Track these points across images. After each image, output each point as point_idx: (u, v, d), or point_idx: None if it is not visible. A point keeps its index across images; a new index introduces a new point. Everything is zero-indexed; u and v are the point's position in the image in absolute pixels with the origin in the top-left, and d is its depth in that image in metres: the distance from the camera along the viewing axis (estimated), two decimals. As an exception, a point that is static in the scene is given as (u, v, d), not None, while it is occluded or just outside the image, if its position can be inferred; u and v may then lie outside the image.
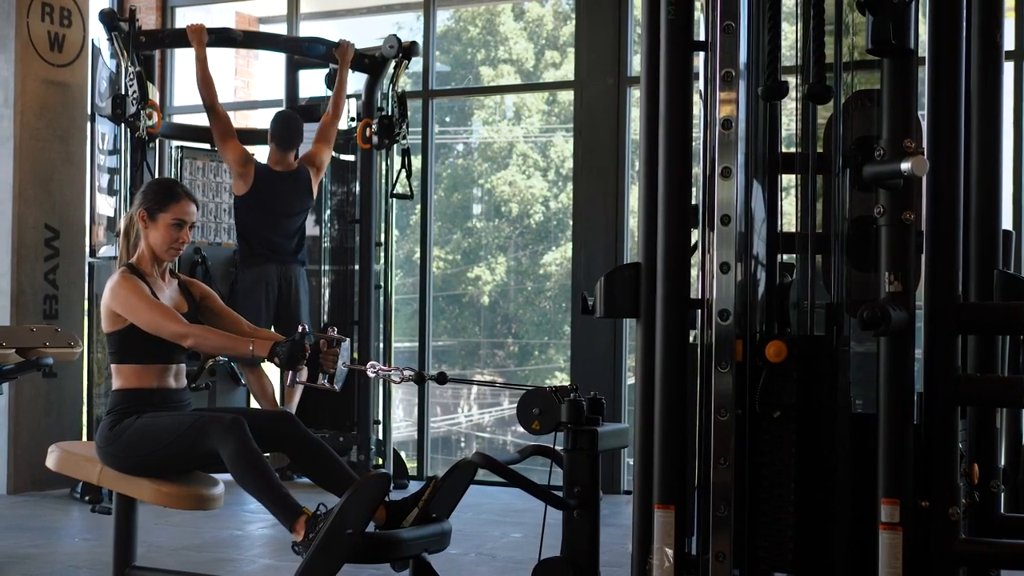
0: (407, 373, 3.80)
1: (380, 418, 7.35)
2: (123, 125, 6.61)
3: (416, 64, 7.73)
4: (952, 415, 2.83)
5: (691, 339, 3.08)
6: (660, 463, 3.01)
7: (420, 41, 7.69)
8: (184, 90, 8.73)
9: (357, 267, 7.44)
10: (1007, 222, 3.40)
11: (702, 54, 3.07)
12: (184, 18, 8.79)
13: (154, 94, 6.87)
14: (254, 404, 7.27)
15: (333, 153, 7.59)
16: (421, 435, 7.99)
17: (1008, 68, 5.92)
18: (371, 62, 7.35)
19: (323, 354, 3.77)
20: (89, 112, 7.14)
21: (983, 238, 3.24)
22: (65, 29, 7.25)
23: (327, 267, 7.68)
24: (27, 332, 4.28)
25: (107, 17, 6.68)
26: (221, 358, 6.87)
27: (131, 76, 6.58)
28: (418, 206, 8.19)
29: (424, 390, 7.86)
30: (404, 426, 9.23)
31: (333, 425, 7.25)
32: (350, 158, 7.60)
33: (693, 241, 3.08)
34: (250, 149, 7.06)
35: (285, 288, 6.92)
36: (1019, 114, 6.45)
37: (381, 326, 7.41)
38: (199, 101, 6.90)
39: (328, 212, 7.70)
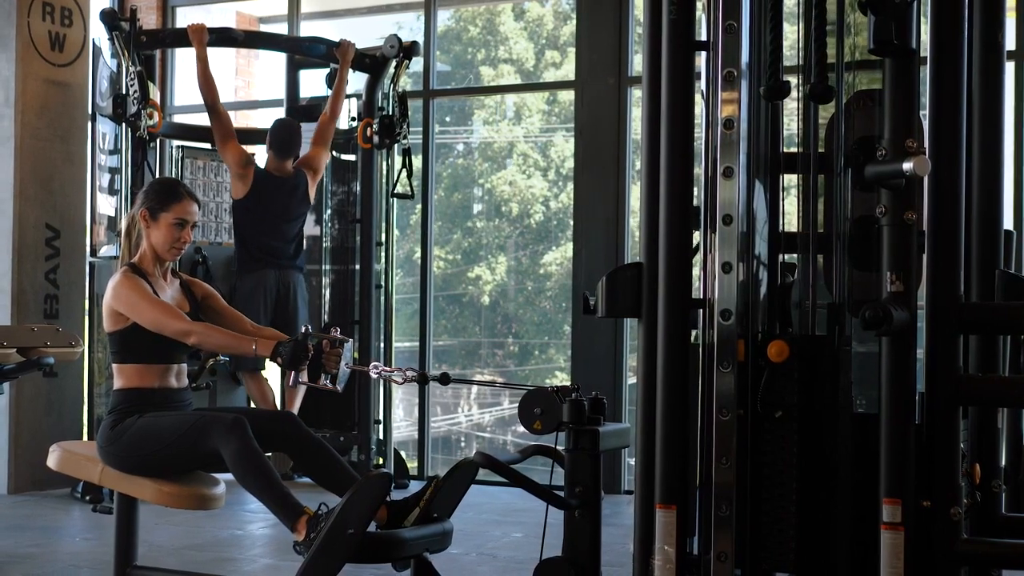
0: (409, 374, 3.80)
1: (381, 418, 7.35)
2: (124, 125, 6.61)
3: (417, 64, 7.73)
4: (954, 415, 2.83)
5: (693, 339, 3.08)
6: (662, 463, 3.01)
7: (420, 41, 7.69)
8: (185, 90, 8.73)
9: (358, 267, 7.44)
10: (1008, 222, 3.39)
11: (704, 54, 3.08)
12: (185, 18, 8.79)
13: (155, 94, 6.87)
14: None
15: (334, 153, 7.59)
16: (422, 435, 7.99)
17: (1009, 68, 5.92)
18: (372, 62, 7.35)
19: (326, 354, 3.77)
20: (90, 112, 7.14)
21: (984, 238, 3.24)
22: (66, 29, 7.25)
23: (328, 267, 7.68)
24: (28, 332, 4.28)
25: (108, 17, 6.68)
26: (222, 357, 6.87)
27: (132, 76, 6.58)
28: (418, 206, 8.19)
29: (425, 390, 7.87)
30: (404, 426, 9.24)
31: (334, 425, 7.25)
32: (351, 158, 7.59)
33: (695, 241, 3.08)
34: (250, 150, 7.06)
35: (283, 294, 6.92)
36: (1020, 114, 6.45)
37: (382, 326, 7.41)
38: (200, 101, 6.91)
39: (329, 212, 7.70)
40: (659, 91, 3.06)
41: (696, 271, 3.09)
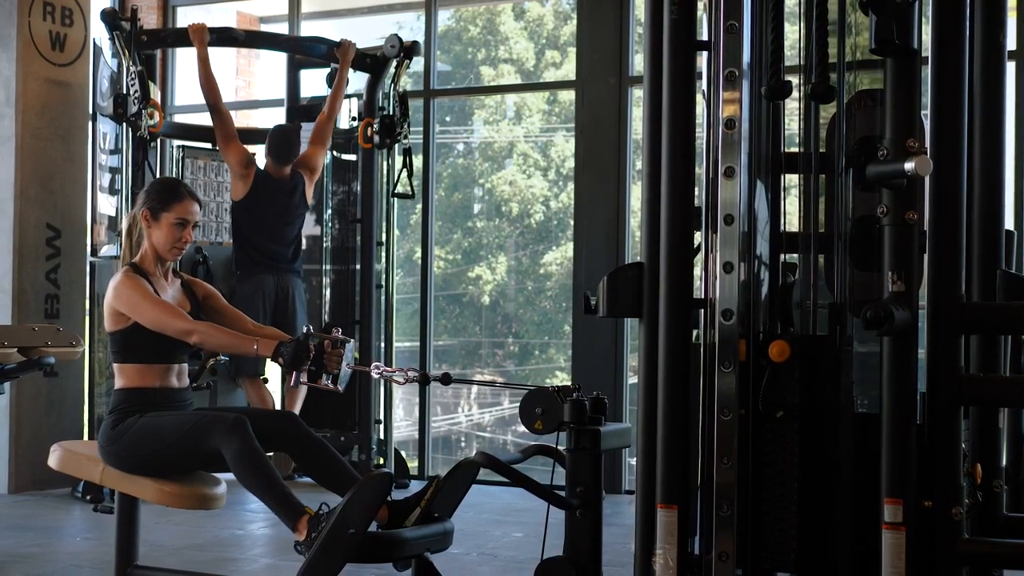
0: (411, 374, 3.80)
1: (381, 418, 7.35)
2: (125, 124, 6.61)
3: (417, 64, 7.73)
4: (955, 415, 2.83)
5: (694, 339, 3.08)
6: (663, 463, 3.02)
7: (421, 41, 7.68)
8: (186, 89, 8.73)
9: (358, 267, 7.44)
10: (1009, 222, 3.39)
11: (705, 53, 3.08)
12: (185, 17, 8.79)
13: (155, 93, 6.87)
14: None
15: (335, 152, 7.59)
16: (422, 434, 7.99)
17: (1010, 68, 5.92)
18: (372, 62, 7.35)
19: (327, 355, 3.77)
20: (91, 111, 7.14)
21: (986, 238, 3.24)
22: (67, 28, 7.25)
23: (328, 267, 7.68)
24: (29, 331, 4.28)
25: (109, 16, 6.68)
26: (222, 357, 6.87)
27: (133, 75, 6.58)
28: (419, 206, 8.19)
29: (425, 390, 7.87)
30: (404, 426, 9.24)
31: (334, 425, 7.25)
32: (351, 157, 7.59)
33: (696, 241, 3.08)
34: (250, 150, 7.06)
35: (282, 299, 6.92)
36: (1021, 114, 6.44)
37: (382, 326, 7.41)
38: (201, 100, 6.90)
39: (329, 212, 7.70)
40: (660, 91, 3.06)
41: (697, 271, 3.09)
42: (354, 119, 7.52)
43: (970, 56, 3.02)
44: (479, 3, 10.43)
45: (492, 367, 10.77)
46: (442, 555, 3.70)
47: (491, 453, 3.30)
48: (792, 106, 3.21)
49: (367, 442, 7.19)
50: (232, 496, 4.13)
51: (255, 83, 9.74)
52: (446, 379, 3.76)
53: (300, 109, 7.73)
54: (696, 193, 3.08)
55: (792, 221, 3.21)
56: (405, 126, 7.36)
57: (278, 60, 8.24)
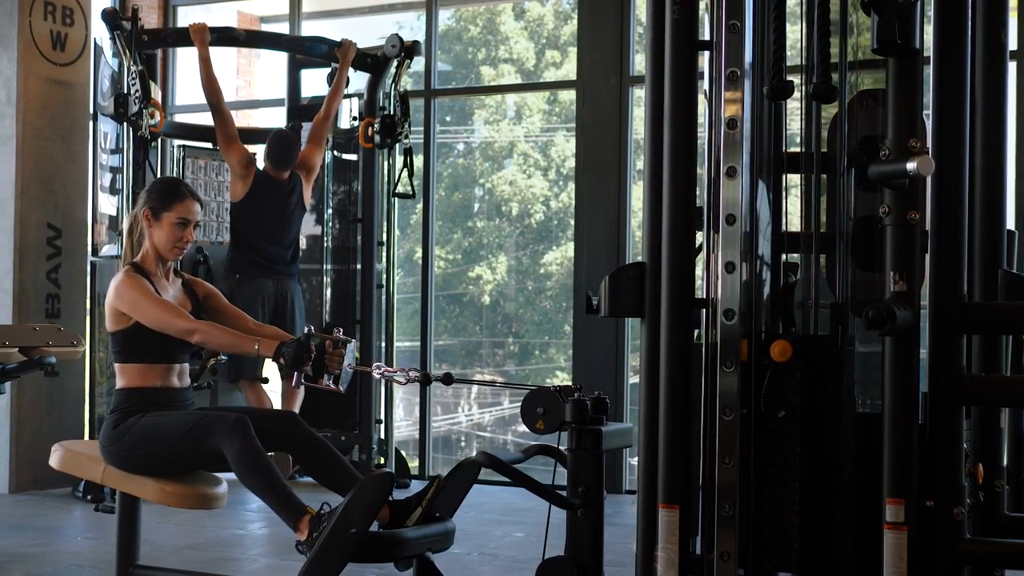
0: (412, 374, 3.79)
1: (382, 417, 7.35)
2: (125, 124, 6.62)
3: (418, 63, 7.73)
4: (957, 415, 2.84)
5: (695, 338, 3.08)
6: (665, 463, 3.02)
7: (421, 40, 7.68)
8: (186, 89, 8.73)
9: (359, 266, 7.44)
10: (1011, 222, 3.39)
11: (707, 53, 3.08)
12: (186, 17, 8.79)
13: (156, 93, 6.88)
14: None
15: (335, 152, 7.59)
16: (423, 434, 7.99)
17: (1012, 68, 5.92)
18: (373, 61, 7.35)
19: (328, 355, 3.76)
20: (91, 111, 7.13)
21: (987, 238, 3.24)
22: (67, 28, 7.25)
23: (329, 266, 7.68)
24: (30, 331, 4.28)
25: (109, 16, 6.68)
26: (223, 357, 6.87)
27: (133, 75, 6.58)
28: (419, 205, 8.18)
29: (426, 390, 7.86)
30: (404, 425, 9.24)
31: (335, 424, 7.25)
32: (352, 157, 7.59)
33: (698, 241, 3.08)
34: (251, 150, 7.06)
35: (281, 303, 6.91)
36: (1023, 114, 6.44)
37: (383, 325, 7.41)
38: (201, 100, 6.90)
39: (330, 211, 7.70)
40: (662, 91, 3.06)
41: (699, 271, 3.09)
42: (355, 119, 7.52)
43: (971, 56, 3.02)
44: (479, 3, 10.43)
45: (492, 367, 10.77)
46: (443, 555, 3.70)
47: (492, 453, 3.30)
48: (793, 106, 3.21)
49: (368, 442, 7.19)
50: (233, 496, 4.13)
51: (256, 83, 9.74)
52: (448, 379, 3.75)
53: (301, 109, 7.73)
54: (698, 193, 3.08)
55: (794, 221, 3.21)
56: (406, 126, 7.36)
57: (279, 60, 8.24)
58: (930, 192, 2.87)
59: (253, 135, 7.48)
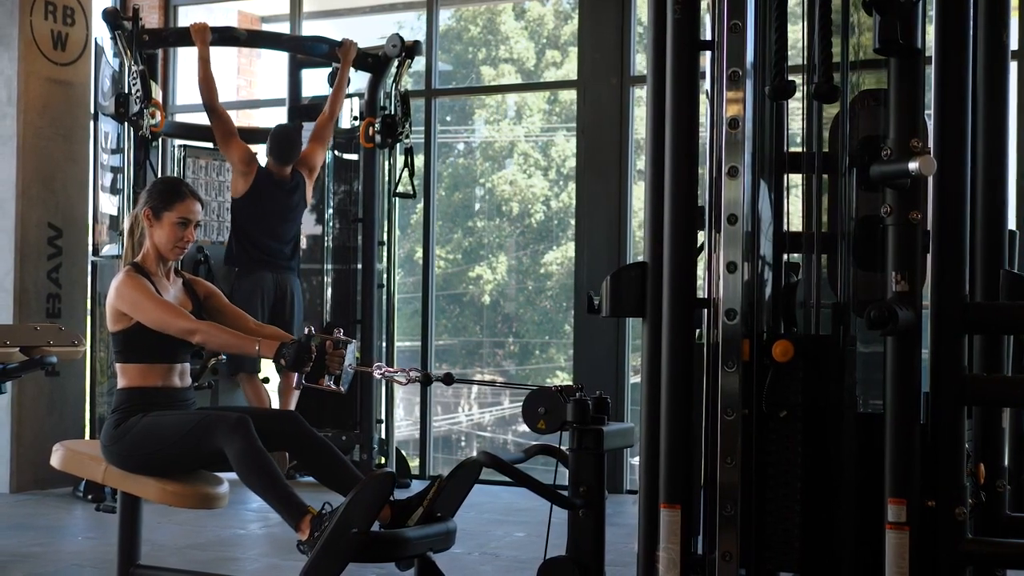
0: (413, 374, 3.79)
1: (383, 417, 7.35)
2: (126, 124, 6.62)
3: (418, 63, 7.73)
4: (959, 415, 2.84)
5: (697, 338, 3.08)
6: (666, 462, 3.02)
7: (422, 40, 7.68)
8: (187, 89, 8.73)
9: (359, 266, 7.44)
10: (1012, 222, 3.39)
11: (708, 53, 3.08)
12: (187, 17, 8.79)
13: (157, 93, 6.88)
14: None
15: (336, 152, 7.59)
16: (423, 434, 7.99)
17: (1013, 68, 5.93)
18: (374, 61, 7.35)
19: (329, 356, 3.76)
20: (92, 111, 7.14)
21: (989, 238, 3.24)
22: (68, 28, 7.25)
23: (330, 266, 7.68)
24: (31, 331, 4.28)
25: (110, 16, 6.68)
26: (223, 356, 6.87)
27: (134, 75, 6.58)
28: (419, 205, 8.18)
29: (427, 390, 7.86)
30: (404, 425, 9.23)
31: (336, 424, 7.25)
32: (353, 157, 7.59)
33: (699, 241, 3.08)
34: (251, 148, 7.05)
35: (280, 297, 6.91)
36: (1024, 114, 6.44)
37: (384, 325, 7.41)
38: (201, 100, 6.90)
39: (331, 211, 7.70)
40: (663, 91, 3.06)
41: (700, 270, 3.09)
42: (356, 118, 7.52)
43: (973, 56, 3.02)
44: (480, 3, 10.43)
45: (492, 367, 10.77)
46: (444, 555, 3.70)
47: (493, 453, 3.30)
48: (795, 106, 3.21)
49: (368, 441, 7.19)
50: (234, 495, 4.13)
51: (256, 82, 9.74)
52: (448, 379, 3.75)
53: (301, 109, 7.73)
54: (699, 193, 3.08)
55: (795, 221, 3.20)
56: (407, 126, 7.36)
57: (279, 59, 8.24)
58: (932, 192, 2.87)
59: (254, 135, 7.48)
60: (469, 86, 10.52)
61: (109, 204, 6.86)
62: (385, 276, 7.43)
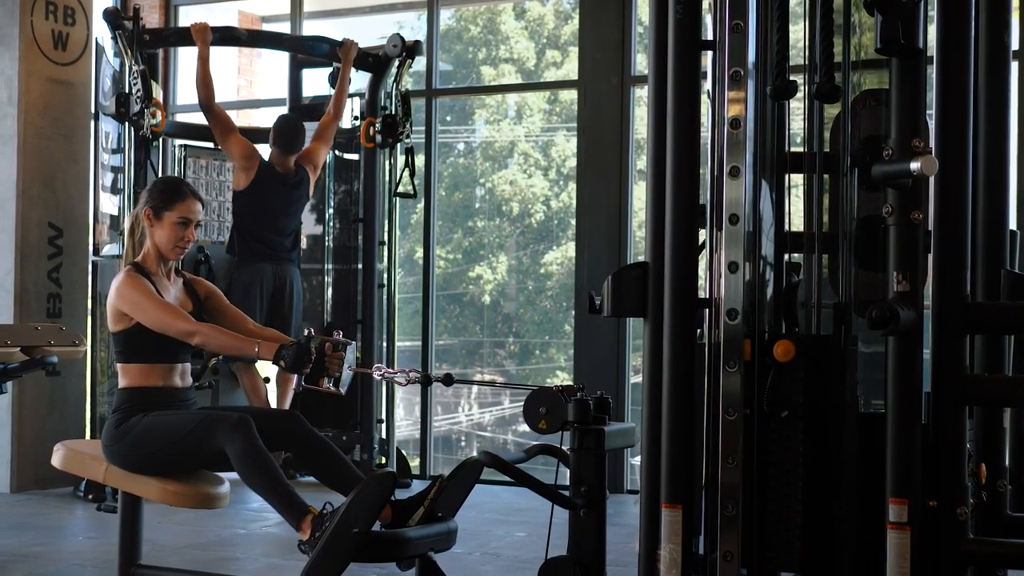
0: (413, 375, 3.79)
1: (383, 417, 7.35)
2: (127, 123, 6.62)
3: (419, 63, 7.73)
4: (960, 415, 2.84)
5: (698, 338, 3.08)
6: (668, 462, 3.01)
7: (422, 40, 7.68)
8: (188, 88, 8.70)
9: (360, 266, 7.44)
10: (1013, 222, 3.39)
11: (709, 53, 3.08)
12: (187, 16, 8.79)
13: (158, 92, 6.88)
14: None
15: (337, 152, 7.59)
16: (424, 434, 7.99)
17: (1015, 68, 5.92)
18: (375, 61, 7.35)
19: (328, 358, 3.76)
20: (93, 110, 7.14)
21: (990, 238, 3.24)
22: (69, 27, 7.25)
23: (330, 266, 7.68)
24: (32, 330, 4.28)
25: (111, 15, 6.69)
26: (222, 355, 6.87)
27: (135, 74, 6.59)
28: (419, 205, 8.18)
29: (427, 390, 7.86)
30: (404, 425, 9.23)
31: (336, 424, 7.25)
32: (353, 157, 7.59)
33: (700, 240, 3.08)
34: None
35: (279, 287, 6.91)
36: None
37: (384, 325, 7.41)
38: (198, 99, 6.89)
39: (331, 211, 7.70)
40: (665, 91, 3.06)
41: (702, 270, 3.09)
42: (356, 118, 7.52)
43: (974, 56, 3.02)
44: (480, 3, 10.43)
45: (493, 367, 10.77)
46: (445, 555, 3.70)
47: (495, 453, 3.30)
48: (796, 106, 3.21)
49: (369, 441, 7.19)
50: (235, 495, 4.14)
51: (257, 82, 9.74)
52: (448, 380, 3.75)
53: (302, 108, 7.73)
54: (701, 193, 3.08)
55: (797, 221, 3.20)
56: (407, 125, 7.36)
57: (280, 59, 8.24)
58: (933, 192, 2.87)
59: (254, 135, 7.47)
60: (469, 86, 10.52)
61: (110, 204, 6.86)
62: (386, 276, 7.43)
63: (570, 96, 8.73)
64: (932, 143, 2.86)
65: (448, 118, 10.08)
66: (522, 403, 3.31)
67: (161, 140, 7.24)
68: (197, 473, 3.89)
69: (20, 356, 4.14)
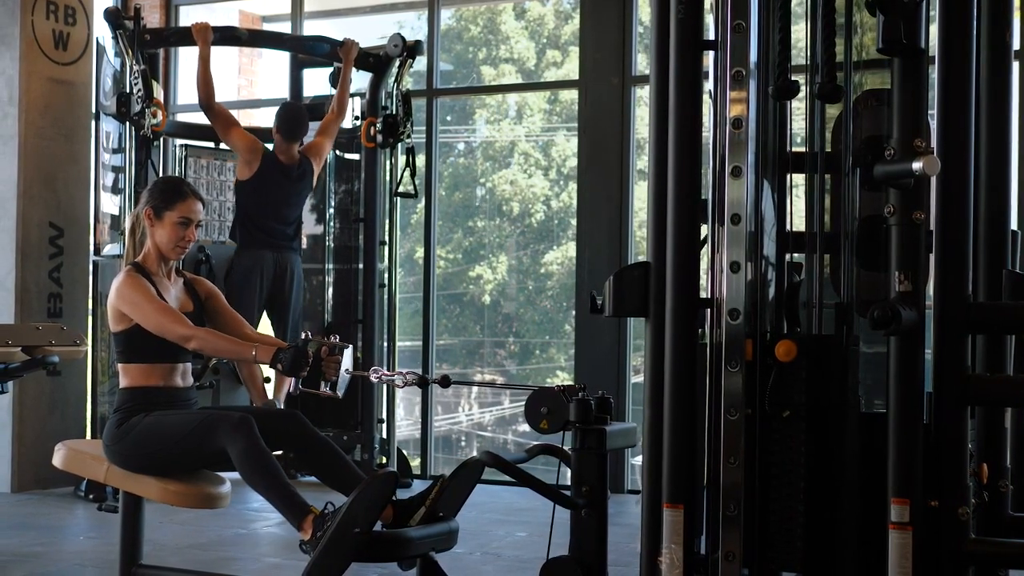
0: (410, 377, 3.79)
1: (384, 417, 7.35)
2: (128, 123, 6.63)
3: (419, 63, 7.73)
4: (962, 415, 2.83)
5: (700, 338, 3.08)
6: (669, 462, 3.01)
7: (422, 40, 7.68)
8: (189, 88, 8.71)
9: (361, 266, 7.44)
10: (1015, 222, 3.39)
11: (711, 53, 3.07)
12: (188, 16, 8.79)
13: (158, 92, 6.88)
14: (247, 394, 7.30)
15: (337, 152, 7.59)
16: (425, 434, 7.99)
17: (1016, 68, 5.92)
18: (375, 61, 7.35)
19: (325, 361, 3.76)
20: (94, 110, 7.15)
21: (992, 238, 3.24)
22: (69, 27, 7.25)
23: (331, 266, 7.68)
24: (33, 330, 4.28)
25: (111, 15, 6.69)
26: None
27: (136, 74, 6.59)
28: (420, 205, 8.18)
29: (428, 389, 7.86)
30: (405, 425, 9.24)
31: (337, 424, 7.25)
32: (354, 157, 7.59)
33: (703, 234, 3.08)
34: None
35: (280, 274, 6.91)
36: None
37: (385, 325, 7.41)
38: (198, 99, 6.89)
39: (332, 211, 7.70)
40: (667, 91, 3.06)
41: (704, 269, 3.09)
42: (357, 118, 7.52)
43: (976, 56, 3.02)
44: (480, 2, 10.43)
45: (493, 366, 10.77)
46: (445, 555, 3.70)
47: (496, 452, 3.30)
48: (797, 105, 3.21)
49: (370, 441, 7.19)
50: (236, 495, 4.14)
51: (257, 82, 9.74)
52: (445, 382, 3.76)
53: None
54: (702, 193, 3.08)
55: (798, 221, 3.20)
56: (408, 125, 7.36)
57: (281, 59, 8.24)
58: (935, 192, 2.87)
59: (255, 135, 7.47)
60: (470, 86, 10.52)
61: (110, 204, 6.86)
62: (386, 276, 7.43)
63: (570, 96, 8.73)
64: (934, 143, 2.85)
65: (448, 118, 10.08)
66: (522, 403, 3.31)
67: (162, 140, 7.24)
68: (198, 473, 3.89)
69: (21, 356, 4.14)
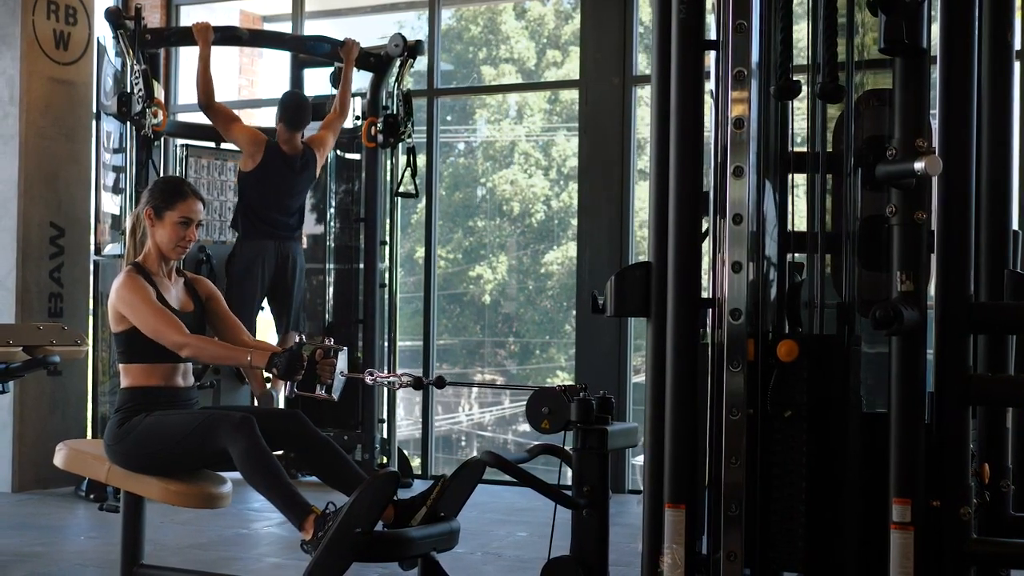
0: (405, 379, 3.79)
1: (384, 417, 7.35)
2: (128, 123, 6.63)
3: (420, 63, 7.73)
4: (963, 415, 2.83)
5: (702, 338, 3.08)
6: (671, 462, 3.01)
7: (423, 39, 7.68)
8: (189, 88, 8.71)
9: (362, 266, 7.44)
10: (1016, 222, 3.39)
11: (713, 53, 3.07)
12: (188, 16, 8.79)
13: (159, 92, 6.88)
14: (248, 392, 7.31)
15: (338, 151, 7.60)
16: (425, 434, 7.99)
17: (1018, 68, 5.92)
18: (376, 61, 7.36)
19: (320, 364, 3.76)
20: (94, 110, 7.15)
21: (993, 238, 3.23)
22: (70, 27, 7.25)
23: (331, 266, 7.68)
24: (34, 330, 4.27)
25: (112, 15, 6.69)
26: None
27: (136, 74, 6.59)
28: (420, 205, 8.18)
29: (428, 389, 7.86)
30: (405, 425, 9.24)
31: (338, 424, 7.24)
32: (355, 156, 7.60)
33: (704, 227, 3.07)
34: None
35: (281, 263, 6.91)
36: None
37: (386, 325, 7.41)
38: (197, 98, 6.89)
39: (333, 211, 7.70)
40: (668, 91, 3.06)
41: (705, 269, 3.09)
42: (358, 118, 7.53)
43: (978, 56, 3.02)
44: (480, 2, 10.43)
45: (493, 366, 10.77)
46: (446, 555, 3.70)
47: (497, 452, 3.30)
48: (799, 105, 3.20)
49: (371, 441, 7.19)
50: (237, 495, 4.14)
51: (258, 82, 9.74)
52: (440, 383, 3.76)
53: (303, 108, 7.72)
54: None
55: (800, 221, 3.20)
56: (409, 125, 7.37)
57: (281, 59, 8.24)
58: (936, 192, 2.87)
59: (257, 131, 7.48)
60: (470, 86, 10.52)
61: (111, 203, 6.87)
62: (387, 276, 7.43)
63: (571, 96, 8.73)
64: (935, 143, 2.85)
65: (449, 118, 10.08)
66: (522, 403, 3.31)
67: (163, 140, 7.24)
68: (199, 473, 3.89)
69: (22, 355, 4.13)
